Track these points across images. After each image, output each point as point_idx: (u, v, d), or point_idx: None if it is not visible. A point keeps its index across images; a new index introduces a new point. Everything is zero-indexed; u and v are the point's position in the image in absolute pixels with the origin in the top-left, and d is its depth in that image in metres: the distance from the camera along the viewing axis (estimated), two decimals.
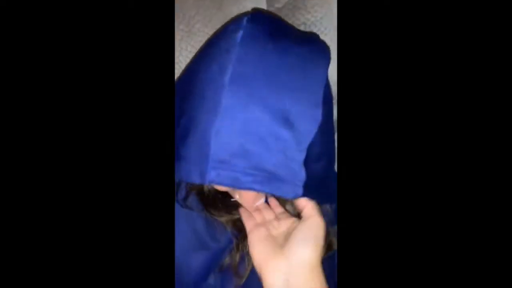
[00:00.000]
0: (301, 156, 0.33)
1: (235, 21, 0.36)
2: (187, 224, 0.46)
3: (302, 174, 0.33)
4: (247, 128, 0.32)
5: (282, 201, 0.43)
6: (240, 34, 0.33)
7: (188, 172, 0.33)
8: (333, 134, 0.42)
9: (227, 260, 0.46)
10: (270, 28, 0.35)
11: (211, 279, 0.46)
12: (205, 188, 0.42)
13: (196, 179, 0.33)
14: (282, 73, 0.33)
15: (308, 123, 0.33)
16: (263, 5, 0.50)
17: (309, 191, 0.34)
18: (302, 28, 0.49)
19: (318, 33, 0.49)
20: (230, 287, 0.45)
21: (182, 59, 0.50)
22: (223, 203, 0.43)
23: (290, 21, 0.49)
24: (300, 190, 0.34)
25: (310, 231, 0.37)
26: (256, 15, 0.36)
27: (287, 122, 0.33)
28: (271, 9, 0.50)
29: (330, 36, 0.49)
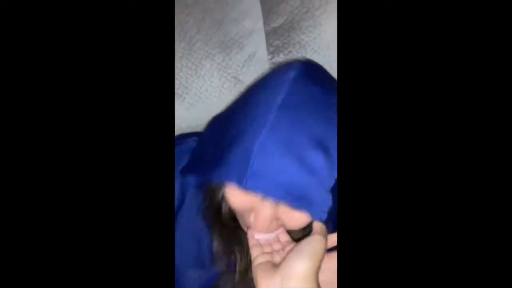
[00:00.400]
0: (332, 182, 0.36)
1: (288, 64, 0.40)
2: (192, 239, 0.46)
3: (329, 200, 0.36)
4: (289, 146, 0.35)
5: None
6: (293, 73, 0.38)
7: (228, 175, 0.35)
8: None
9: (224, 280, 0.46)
10: (318, 74, 0.41)
11: None
12: (223, 209, 0.42)
13: (234, 182, 0.35)
14: (326, 110, 0.37)
15: None
16: (261, 25, 0.53)
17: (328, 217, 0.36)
18: (297, 46, 0.52)
19: (311, 51, 0.52)
20: None
21: (183, 75, 0.53)
22: (234, 226, 0.43)
23: (285, 41, 0.52)
24: (325, 215, 0.36)
25: (308, 245, 0.37)
26: (307, 63, 0.41)
27: (324, 149, 0.35)
28: (268, 28, 0.53)
29: (322, 54, 0.52)
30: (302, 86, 0.37)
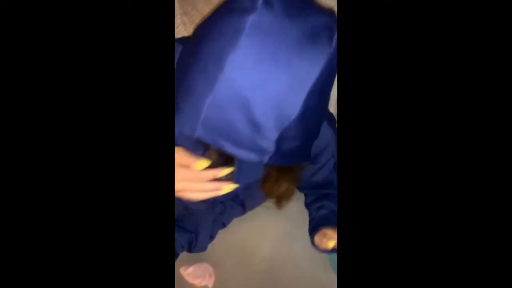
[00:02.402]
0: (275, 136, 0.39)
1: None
2: None
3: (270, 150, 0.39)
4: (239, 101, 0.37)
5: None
6: (251, 16, 0.36)
7: (183, 125, 0.39)
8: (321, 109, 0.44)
9: None
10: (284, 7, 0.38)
11: None
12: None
13: (187, 132, 0.39)
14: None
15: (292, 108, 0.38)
16: None
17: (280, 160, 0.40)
18: None
19: None
20: None
21: None
22: None
23: None
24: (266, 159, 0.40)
25: None
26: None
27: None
28: None
29: None
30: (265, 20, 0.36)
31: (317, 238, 0.61)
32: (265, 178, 0.55)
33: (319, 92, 0.39)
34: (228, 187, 0.43)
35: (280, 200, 0.58)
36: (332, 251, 0.57)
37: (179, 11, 0.67)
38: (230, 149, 0.39)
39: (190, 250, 0.66)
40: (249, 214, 0.72)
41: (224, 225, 0.71)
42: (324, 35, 0.38)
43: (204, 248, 0.67)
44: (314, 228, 0.63)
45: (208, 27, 0.40)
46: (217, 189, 0.43)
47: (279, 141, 0.39)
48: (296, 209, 0.69)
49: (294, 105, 0.38)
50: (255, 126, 0.37)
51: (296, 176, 0.55)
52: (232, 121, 0.37)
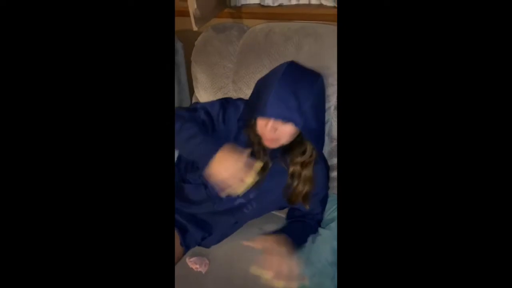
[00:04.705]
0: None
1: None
2: None
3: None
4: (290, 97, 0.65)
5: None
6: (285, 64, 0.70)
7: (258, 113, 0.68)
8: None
9: None
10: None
11: None
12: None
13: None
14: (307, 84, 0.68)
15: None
16: None
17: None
18: None
19: None
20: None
21: None
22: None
23: None
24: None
25: None
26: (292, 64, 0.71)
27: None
28: None
29: None
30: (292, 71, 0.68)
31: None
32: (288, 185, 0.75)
33: None
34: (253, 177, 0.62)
35: (306, 201, 0.73)
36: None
37: None
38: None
39: (199, 244, 0.79)
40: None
41: (239, 226, 0.81)
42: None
43: (209, 246, 0.79)
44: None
45: None
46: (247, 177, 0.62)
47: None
48: None
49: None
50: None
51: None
52: None
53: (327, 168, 0.80)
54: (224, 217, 0.78)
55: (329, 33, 0.82)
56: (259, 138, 0.71)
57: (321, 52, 0.81)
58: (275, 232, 0.72)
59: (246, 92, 0.90)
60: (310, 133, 0.67)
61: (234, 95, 0.92)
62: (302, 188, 0.74)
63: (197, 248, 0.78)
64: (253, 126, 0.70)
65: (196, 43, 1.00)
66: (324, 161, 0.80)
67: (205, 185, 0.75)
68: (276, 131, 0.66)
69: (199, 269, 0.72)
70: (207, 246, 0.79)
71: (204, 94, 1.00)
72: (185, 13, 0.90)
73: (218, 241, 0.79)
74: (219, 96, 0.96)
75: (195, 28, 0.90)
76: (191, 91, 1.10)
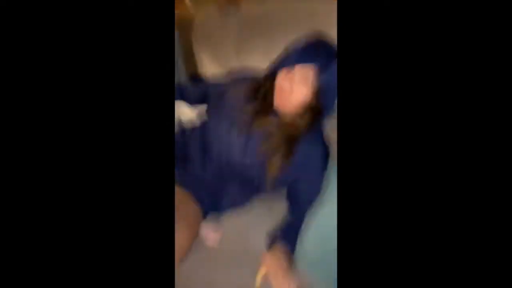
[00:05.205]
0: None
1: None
2: None
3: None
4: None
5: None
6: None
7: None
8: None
9: None
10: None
11: None
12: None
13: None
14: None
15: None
16: None
17: None
18: None
19: None
20: None
21: None
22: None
23: None
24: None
25: None
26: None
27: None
28: None
29: None
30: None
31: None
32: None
33: None
34: None
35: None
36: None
37: None
38: None
39: (216, 209, 0.76)
40: None
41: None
42: None
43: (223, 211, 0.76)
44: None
45: None
46: None
47: None
48: None
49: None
50: None
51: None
52: None
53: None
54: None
55: (329, 11, 0.78)
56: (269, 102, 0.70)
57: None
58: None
59: (251, 63, 0.92)
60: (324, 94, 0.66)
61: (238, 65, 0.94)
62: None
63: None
64: (271, 82, 0.70)
65: (196, 22, 1.00)
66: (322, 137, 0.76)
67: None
68: (293, 84, 0.66)
69: (211, 238, 0.72)
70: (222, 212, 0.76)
71: (210, 70, 1.02)
72: None
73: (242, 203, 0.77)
74: (225, 68, 0.97)
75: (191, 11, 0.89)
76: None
